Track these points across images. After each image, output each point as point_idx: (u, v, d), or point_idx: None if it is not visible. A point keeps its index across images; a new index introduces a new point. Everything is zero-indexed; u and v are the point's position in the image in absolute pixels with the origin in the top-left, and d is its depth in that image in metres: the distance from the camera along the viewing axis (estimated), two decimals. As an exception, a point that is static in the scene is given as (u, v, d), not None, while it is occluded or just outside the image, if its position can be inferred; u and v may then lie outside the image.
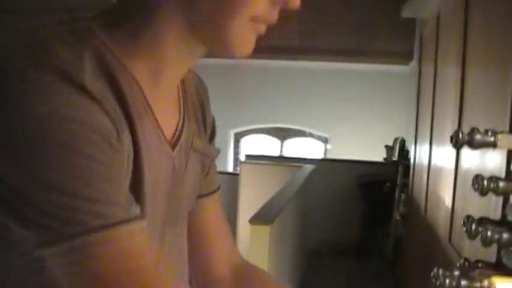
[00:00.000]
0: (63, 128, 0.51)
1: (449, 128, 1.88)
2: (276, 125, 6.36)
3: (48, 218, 0.50)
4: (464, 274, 0.97)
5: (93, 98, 0.53)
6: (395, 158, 3.42)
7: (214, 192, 0.81)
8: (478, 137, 0.92)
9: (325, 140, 6.27)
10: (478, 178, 0.93)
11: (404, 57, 4.22)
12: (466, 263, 1.05)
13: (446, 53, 2.04)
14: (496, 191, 0.90)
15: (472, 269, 1.02)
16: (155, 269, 0.54)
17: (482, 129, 0.92)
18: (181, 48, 0.63)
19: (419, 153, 2.82)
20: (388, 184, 3.40)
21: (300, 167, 3.85)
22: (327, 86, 5.81)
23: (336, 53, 4.86)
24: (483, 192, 0.91)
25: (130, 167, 0.59)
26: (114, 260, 0.52)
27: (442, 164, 2.08)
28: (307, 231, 3.70)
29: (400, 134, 3.68)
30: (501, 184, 0.92)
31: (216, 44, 0.62)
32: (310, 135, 6.40)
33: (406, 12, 2.81)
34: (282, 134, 6.51)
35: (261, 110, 5.89)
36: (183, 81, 0.74)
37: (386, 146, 3.65)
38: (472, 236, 0.96)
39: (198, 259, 0.77)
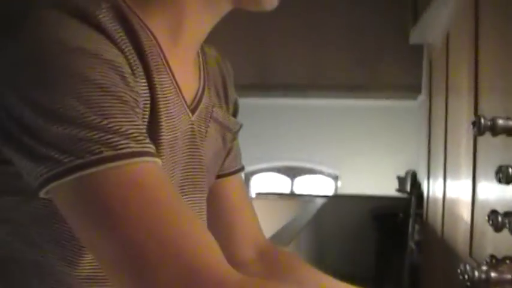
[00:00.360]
0: (76, 58, 0.49)
1: (464, 160, 1.84)
2: (286, 163, 6.34)
3: (57, 149, 0.48)
4: (493, 267, 0.94)
5: (107, 35, 0.52)
6: (407, 189, 3.40)
7: (238, 171, 0.79)
8: (500, 121, 0.90)
9: (335, 177, 6.24)
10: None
11: (413, 90, 4.23)
12: (494, 260, 1.02)
13: (457, 77, 2.03)
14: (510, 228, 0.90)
15: (500, 263, 0.99)
16: (170, 202, 0.50)
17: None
18: (202, 3, 0.62)
19: (432, 184, 2.79)
20: (401, 215, 3.37)
21: (312, 201, 3.82)
22: (336, 122, 5.82)
23: (344, 89, 4.88)
24: (498, 228, 0.91)
25: (147, 116, 0.57)
26: (125, 190, 0.49)
27: (458, 190, 2.04)
28: (321, 261, 3.65)
29: (411, 166, 3.66)
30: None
31: None
32: (321, 172, 6.37)
33: (414, 38, 2.81)
34: (292, 172, 6.48)
35: (270, 148, 5.89)
36: (204, 53, 0.73)
37: (398, 177, 3.63)
38: (498, 228, 0.94)
39: (222, 240, 0.75)
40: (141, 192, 0.49)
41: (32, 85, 0.50)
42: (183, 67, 0.65)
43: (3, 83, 0.51)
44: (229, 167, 0.77)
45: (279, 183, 6.51)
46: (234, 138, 0.79)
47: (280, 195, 4.80)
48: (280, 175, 6.55)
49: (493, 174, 0.94)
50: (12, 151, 0.51)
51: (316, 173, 6.42)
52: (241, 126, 0.78)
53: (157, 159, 0.51)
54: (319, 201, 3.69)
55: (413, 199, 3.28)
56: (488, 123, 0.90)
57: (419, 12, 2.58)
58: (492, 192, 1.48)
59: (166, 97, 0.60)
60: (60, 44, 0.49)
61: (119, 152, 0.49)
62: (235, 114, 0.78)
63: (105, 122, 0.49)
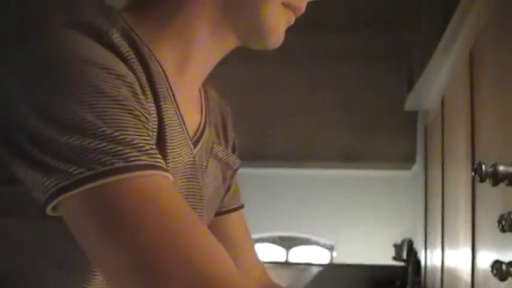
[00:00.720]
0: (90, 72, 0.50)
1: (463, 228, 1.83)
2: (281, 234, 6.28)
3: (67, 160, 0.48)
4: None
5: (120, 54, 0.53)
6: (404, 257, 3.38)
7: (238, 208, 0.78)
8: (501, 168, 0.91)
9: (330, 248, 6.17)
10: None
11: (408, 160, 4.26)
12: None
13: (453, 142, 2.05)
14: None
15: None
16: (183, 214, 0.50)
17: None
18: (210, 38, 0.64)
19: (430, 252, 2.77)
20: (398, 283, 3.34)
21: (307, 270, 3.77)
22: (331, 192, 5.81)
23: (339, 159, 4.91)
24: (502, 277, 0.92)
25: (154, 138, 0.57)
26: (137, 201, 0.48)
27: (457, 258, 2.02)
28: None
29: (407, 235, 3.63)
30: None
31: (250, 29, 0.63)
32: (316, 243, 6.31)
33: (409, 105, 2.85)
34: (287, 243, 6.41)
35: (264, 219, 5.85)
36: (206, 91, 0.74)
37: (394, 245, 3.61)
38: (502, 277, 0.93)
39: None
40: (153, 204, 0.49)
41: (44, 97, 0.50)
42: (187, 100, 0.66)
43: (15, 96, 0.51)
44: (229, 204, 0.78)
45: (274, 254, 6.42)
46: (233, 176, 0.79)
47: (275, 263, 4.74)
48: (275, 246, 6.48)
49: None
50: (21, 165, 0.51)
51: (311, 243, 6.35)
52: (240, 163, 0.79)
53: (168, 174, 0.52)
54: (315, 270, 3.65)
55: (410, 267, 3.26)
56: (490, 169, 0.91)
57: (414, 79, 2.64)
58: (491, 257, 1.47)
59: (171, 126, 0.61)
60: (73, 58, 0.51)
61: (131, 164, 0.49)
62: (233, 152, 0.79)
63: (116, 133, 0.49)
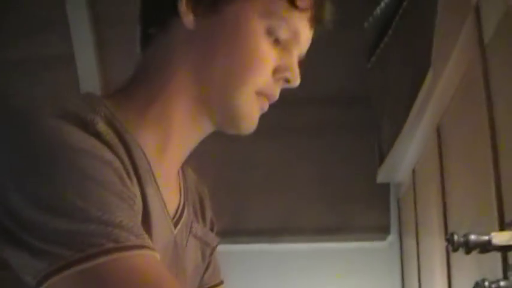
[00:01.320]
0: (77, 158, 0.54)
1: None
2: (258, 310, 6.19)
3: (58, 243, 0.51)
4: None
5: (105, 142, 0.57)
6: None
7: (218, 285, 0.80)
8: (472, 237, 0.95)
9: (309, 323, 6.08)
10: (478, 284, 0.96)
11: (382, 231, 4.30)
12: None
13: (425, 212, 2.10)
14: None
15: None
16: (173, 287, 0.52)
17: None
18: (187, 124, 0.68)
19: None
20: None
21: None
22: (308, 266, 5.77)
23: (313, 233, 4.93)
24: None
25: (140, 217, 0.60)
26: (127, 281, 0.51)
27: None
28: None
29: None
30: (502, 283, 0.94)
31: (224, 118, 0.67)
32: (294, 319, 6.22)
33: (381, 177, 2.93)
34: (265, 319, 6.31)
35: (241, 295, 5.77)
36: (183, 171, 0.77)
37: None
38: None
39: None
40: (143, 280, 0.51)
41: (33, 184, 0.53)
42: (167, 182, 0.70)
43: (5, 183, 0.54)
44: (209, 281, 0.80)
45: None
46: (212, 253, 0.81)
47: None
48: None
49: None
50: (12, 250, 0.53)
51: (289, 319, 6.27)
52: (218, 242, 0.81)
53: (155, 253, 0.54)
54: None
55: None
56: (461, 239, 0.95)
57: (385, 153, 2.72)
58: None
59: (154, 209, 0.64)
60: (61, 146, 0.54)
61: (121, 244, 0.52)
62: (211, 230, 0.82)
63: (105, 216, 0.52)
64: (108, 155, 0.57)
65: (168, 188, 0.70)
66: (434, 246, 1.89)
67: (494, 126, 1.15)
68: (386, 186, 3.34)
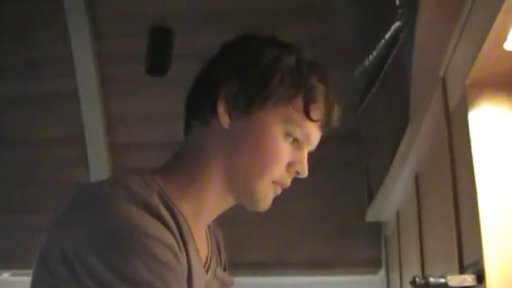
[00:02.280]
0: (146, 241, 0.73)
1: None
2: None
3: None
4: None
5: (165, 224, 0.77)
6: None
7: None
8: (431, 279, 1.14)
9: None
10: None
11: (374, 266, 4.46)
12: None
13: (407, 251, 2.28)
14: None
15: None
16: None
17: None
18: (217, 200, 0.89)
19: None
20: None
21: None
22: (303, 299, 5.89)
23: (309, 266, 5.08)
24: None
25: (185, 281, 0.79)
26: None
27: None
28: None
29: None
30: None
31: (245, 199, 0.88)
32: None
33: (370, 216, 3.11)
34: None
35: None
36: (208, 225, 0.98)
37: None
38: None
39: None
40: None
41: (115, 255, 0.72)
42: (200, 238, 0.90)
43: (88, 249, 0.73)
44: None
45: None
46: None
47: None
48: None
49: None
50: None
51: None
52: (233, 282, 1.01)
53: None
54: None
55: None
56: (422, 281, 1.14)
57: (374, 193, 2.90)
58: None
59: (194, 262, 0.84)
60: (135, 229, 0.74)
61: None
62: (224, 270, 1.01)
63: (163, 286, 0.72)
64: (169, 237, 0.77)
65: (201, 242, 0.90)
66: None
67: (456, 183, 1.35)
68: (378, 223, 3.52)
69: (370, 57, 2.71)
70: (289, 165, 0.89)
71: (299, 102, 0.89)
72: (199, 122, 0.89)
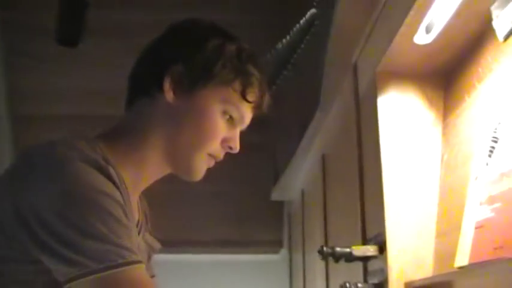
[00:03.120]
0: (102, 199, 0.78)
1: None
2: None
3: (86, 257, 0.75)
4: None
5: (114, 183, 0.81)
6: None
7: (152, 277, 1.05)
8: (338, 249, 1.23)
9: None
10: (341, 286, 1.23)
11: (276, 245, 4.60)
12: None
13: (311, 229, 2.40)
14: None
15: None
16: None
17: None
18: (155, 169, 0.95)
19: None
20: None
21: None
22: (210, 277, 5.96)
23: (216, 245, 5.17)
24: None
25: (134, 237, 0.84)
26: (132, 285, 0.77)
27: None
28: None
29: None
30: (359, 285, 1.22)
31: (182, 169, 0.95)
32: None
33: (275, 196, 3.21)
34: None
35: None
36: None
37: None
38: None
39: None
40: (140, 285, 0.77)
41: (72, 211, 0.76)
42: (134, 204, 0.95)
43: (48, 209, 0.76)
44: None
45: None
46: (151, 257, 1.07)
47: None
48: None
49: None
50: (49, 257, 0.76)
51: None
52: (160, 247, 1.07)
53: (144, 265, 0.79)
54: None
55: None
56: (329, 250, 1.23)
57: (279, 173, 3.01)
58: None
59: (133, 225, 0.89)
60: (89, 187, 0.77)
61: (128, 260, 0.76)
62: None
63: (118, 241, 0.77)
64: (118, 195, 0.82)
65: (135, 207, 0.95)
66: (316, 259, 2.19)
67: (362, 162, 1.45)
68: (280, 204, 3.63)
69: (284, 41, 2.79)
70: (224, 141, 0.98)
71: (237, 85, 0.98)
72: (145, 96, 0.95)
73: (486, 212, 0.89)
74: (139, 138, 0.93)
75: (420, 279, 1.14)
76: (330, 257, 1.23)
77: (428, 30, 1.14)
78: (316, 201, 2.20)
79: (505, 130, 0.93)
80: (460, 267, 0.93)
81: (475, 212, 0.93)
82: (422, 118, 1.29)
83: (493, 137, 0.96)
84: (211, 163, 0.98)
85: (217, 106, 0.97)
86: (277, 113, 3.29)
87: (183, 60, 0.96)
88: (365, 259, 1.25)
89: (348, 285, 1.21)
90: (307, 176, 2.53)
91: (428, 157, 1.27)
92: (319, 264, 2.07)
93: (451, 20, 1.09)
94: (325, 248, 1.22)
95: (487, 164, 0.95)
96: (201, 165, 0.96)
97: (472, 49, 1.17)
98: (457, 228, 1.11)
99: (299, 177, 2.67)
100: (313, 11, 2.12)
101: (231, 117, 0.98)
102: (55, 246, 0.76)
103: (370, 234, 1.33)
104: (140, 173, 0.95)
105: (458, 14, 1.07)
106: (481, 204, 0.92)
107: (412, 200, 1.23)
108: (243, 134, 1.08)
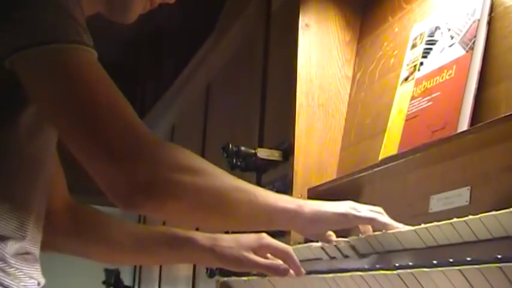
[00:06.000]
0: None
1: None
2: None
3: (41, 28, 0.66)
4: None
5: None
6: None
7: None
8: (243, 148, 1.19)
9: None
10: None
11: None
12: None
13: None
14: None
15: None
16: (111, 84, 0.70)
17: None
18: (88, 10, 0.83)
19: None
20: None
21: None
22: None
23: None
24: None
25: None
26: (81, 66, 0.68)
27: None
28: None
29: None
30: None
31: (118, 10, 0.84)
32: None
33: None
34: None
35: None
36: None
37: (106, 270, 3.66)
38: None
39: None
40: (93, 71, 0.69)
41: None
42: None
43: None
44: None
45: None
46: None
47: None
48: None
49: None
50: None
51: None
52: None
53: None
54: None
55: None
56: (235, 148, 1.18)
57: (146, 109, 2.91)
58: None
59: None
60: None
61: (79, 40, 0.68)
62: None
63: (75, 21, 0.67)
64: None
65: None
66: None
67: (266, 81, 1.42)
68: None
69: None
70: None
71: None
72: None
73: (422, 104, 0.92)
74: None
75: (322, 183, 1.14)
76: (234, 157, 1.18)
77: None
78: (193, 134, 2.14)
79: (439, 34, 0.96)
80: (383, 159, 0.95)
81: (405, 108, 0.95)
82: (338, 38, 1.30)
83: (429, 40, 0.98)
84: (147, 6, 0.89)
85: None
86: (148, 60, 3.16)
87: None
88: (267, 164, 1.22)
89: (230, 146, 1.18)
90: (181, 111, 2.46)
91: (340, 75, 1.28)
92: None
93: None
94: (230, 145, 1.17)
95: (421, 64, 0.97)
96: (136, 7, 0.87)
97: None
98: (368, 137, 1.13)
99: (169, 114, 2.59)
100: None
101: None
102: (6, 12, 0.67)
103: (270, 144, 1.30)
104: None
105: None
106: (413, 99, 0.95)
107: (322, 113, 1.24)
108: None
